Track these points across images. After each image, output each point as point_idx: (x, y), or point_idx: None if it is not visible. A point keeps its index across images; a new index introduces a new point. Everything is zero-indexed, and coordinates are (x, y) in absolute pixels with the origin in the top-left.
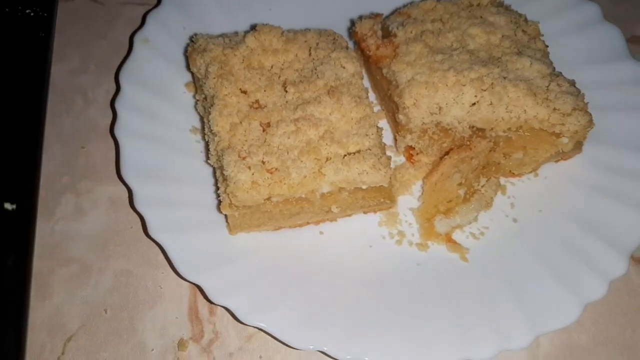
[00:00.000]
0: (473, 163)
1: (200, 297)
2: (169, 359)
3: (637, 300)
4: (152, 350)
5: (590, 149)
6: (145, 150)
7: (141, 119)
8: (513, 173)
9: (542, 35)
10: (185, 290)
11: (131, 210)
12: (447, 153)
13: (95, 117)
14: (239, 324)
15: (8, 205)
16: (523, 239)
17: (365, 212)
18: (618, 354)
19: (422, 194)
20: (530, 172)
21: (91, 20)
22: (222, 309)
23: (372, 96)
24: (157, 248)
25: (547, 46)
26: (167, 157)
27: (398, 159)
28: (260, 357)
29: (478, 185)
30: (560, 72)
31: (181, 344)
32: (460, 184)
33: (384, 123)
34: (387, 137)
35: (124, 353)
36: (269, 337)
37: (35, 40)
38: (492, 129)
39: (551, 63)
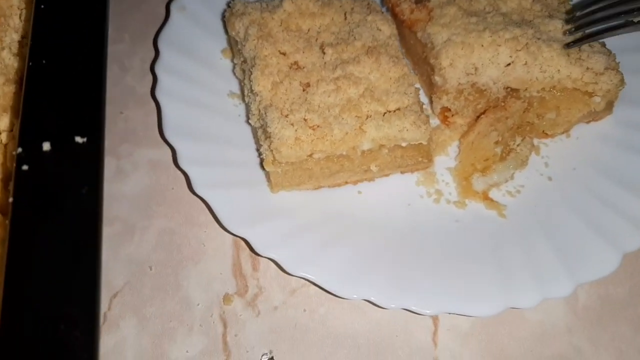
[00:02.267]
0: (508, 122)
1: (243, 254)
2: (215, 313)
3: None
4: (198, 305)
5: (621, 109)
6: (186, 112)
7: (180, 82)
8: (546, 133)
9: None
10: (228, 247)
11: (171, 172)
12: (482, 114)
13: (133, 84)
14: (282, 278)
15: (79, 139)
16: (559, 195)
17: (402, 172)
18: None
19: (459, 153)
20: (563, 132)
21: None
22: (265, 264)
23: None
24: (199, 207)
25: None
26: (207, 118)
27: (433, 121)
28: (304, 310)
29: (514, 144)
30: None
31: (226, 299)
32: (496, 143)
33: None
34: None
35: (170, 308)
36: (312, 292)
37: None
38: (526, 89)
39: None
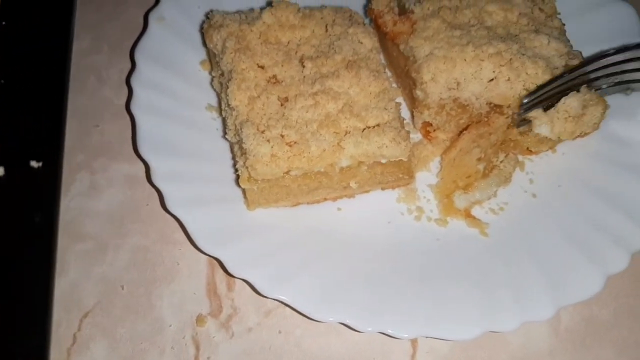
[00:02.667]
0: (492, 139)
1: (218, 273)
2: (188, 334)
3: None
4: (170, 326)
5: (607, 125)
6: (161, 126)
7: (156, 95)
8: (530, 150)
9: (559, 13)
10: (202, 266)
11: (147, 188)
12: (464, 129)
13: (110, 96)
14: (258, 299)
15: (34, 163)
16: (543, 213)
17: (383, 189)
18: (638, 328)
19: (441, 170)
20: (548, 149)
21: (103, 2)
22: (241, 284)
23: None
24: (173, 225)
25: (563, 24)
26: (183, 133)
27: (415, 136)
28: (280, 332)
29: (497, 160)
30: (580, 52)
31: (199, 320)
32: (479, 159)
33: (399, 101)
34: (404, 115)
35: (142, 329)
36: (288, 313)
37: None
38: (509, 105)
39: (568, 41)
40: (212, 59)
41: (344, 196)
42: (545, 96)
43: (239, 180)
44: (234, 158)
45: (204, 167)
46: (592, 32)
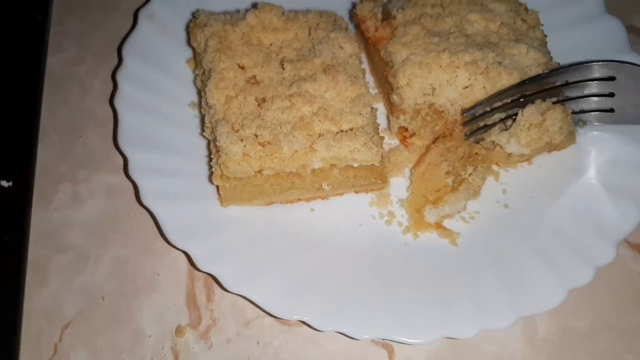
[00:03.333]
0: (459, 152)
1: (198, 284)
2: (167, 345)
3: (634, 287)
4: (150, 336)
5: (584, 140)
6: (142, 121)
7: (141, 91)
8: (498, 164)
9: (542, 25)
10: (182, 277)
11: (128, 198)
12: (433, 142)
13: (93, 106)
14: (237, 310)
15: (4, 183)
16: (512, 224)
17: (356, 192)
18: (615, 340)
19: (411, 184)
20: (518, 163)
21: (88, 11)
22: (220, 295)
23: (370, 80)
24: (154, 236)
25: (545, 36)
26: (163, 128)
27: (393, 141)
28: (258, 342)
29: (465, 174)
30: (558, 63)
31: (179, 331)
32: (447, 173)
33: (380, 107)
34: (384, 121)
35: (122, 340)
36: (267, 323)
37: (33, 21)
38: None
39: (548, 52)
40: (197, 58)
41: (318, 197)
42: (481, 111)
43: (213, 177)
44: (209, 155)
45: (181, 163)
46: (580, 46)
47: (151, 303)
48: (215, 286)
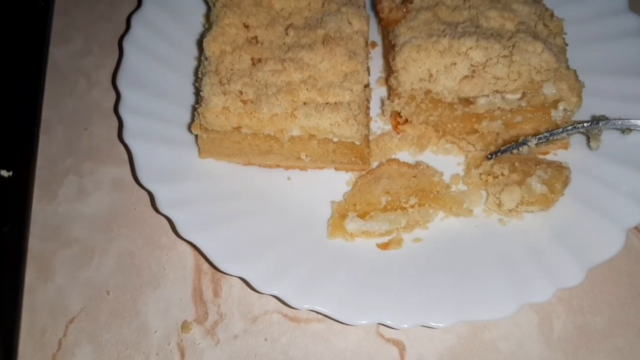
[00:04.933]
0: (412, 182)
1: (205, 279)
2: (173, 341)
3: None
4: (155, 332)
5: (577, 154)
6: (145, 64)
7: (151, 35)
8: (451, 210)
9: (565, 34)
10: (189, 272)
11: (135, 191)
12: (435, 129)
13: (99, 99)
14: (244, 305)
15: (4, 173)
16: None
17: (336, 169)
18: (635, 337)
19: (350, 190)
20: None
21: (94, 3)
22: (227, 290)
23: (380, 64)
24: (161, 229)
25: (567, 45)
26: (163, 74)
27: (388, 127)
28: (266, 339)
29: (406, 203)
30: (575, 71)
31: (185, 326)
32: (387, 193)
33: (383, 92)
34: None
35: (127, 335)
36: (275, 319)
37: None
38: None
39: (566, 60)
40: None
41: (297, 167)
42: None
43: (192, 126)
44: (194, 105)
45: (171, 109)
46: (607, 63)
47: (157, 298)
48: (223, 281)
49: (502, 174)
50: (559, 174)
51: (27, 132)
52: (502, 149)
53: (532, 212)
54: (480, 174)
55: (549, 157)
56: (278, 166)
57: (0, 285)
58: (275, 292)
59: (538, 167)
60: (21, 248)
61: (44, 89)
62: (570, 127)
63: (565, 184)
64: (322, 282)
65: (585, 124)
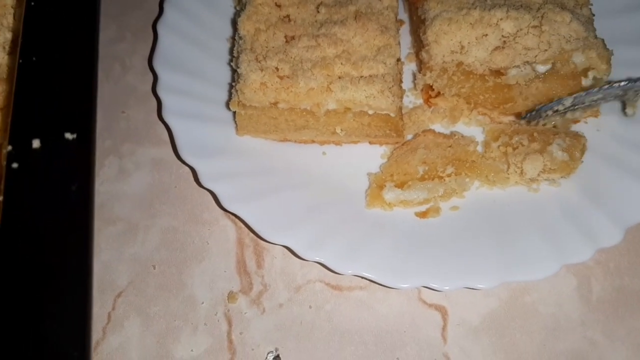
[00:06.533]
0: (448, 151)
1: (247, 251)
2: (220, 311)
3: None
4: (202, 303)
5: (608, 120)
6: (179, 46)
7: (185, 19)
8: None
9: (591, 4)
10: (232, 245)
11: (175, 170)
12: (467, 101)
13: (134, 83)
14: (287, 276)
15: (68, 135)
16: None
17: (371, 143)
18: None
19: (386, 161)
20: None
21: None
22: (269, 262)
23: (409, 40)
24: (203, 205)
25: (593, 15)
26: (197, 55)
27: (419, 101)
28: (310, 307)
29: (443, 171)
30: (603, 40)
31: (231, 297)
32: (424, 163)
33: (414, 68)
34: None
35: (174, 307)
36: (318, 288)
37: None
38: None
39: (594, 30)
40: None
41: (332, 142)
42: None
43: (230, 102)
44: (231, 83)
45: (207, 89)
46: (633, 33)
47: (202, 271)
48: (265, 253)
49: (522, 144)
50: (577, 142)
51: (86, 96)
52: (537, 108)
53: (553, 180)
54: (499, 146)
55: (579, 125)
56: (313, 142)
57: (72, 248)
58: (318, 259)
59: (556, 136)
60: (88, 206)
61: (97, 59)
62: (606, 87)
63: (583, 151)
64: (364, 248)
65: (621, 83)
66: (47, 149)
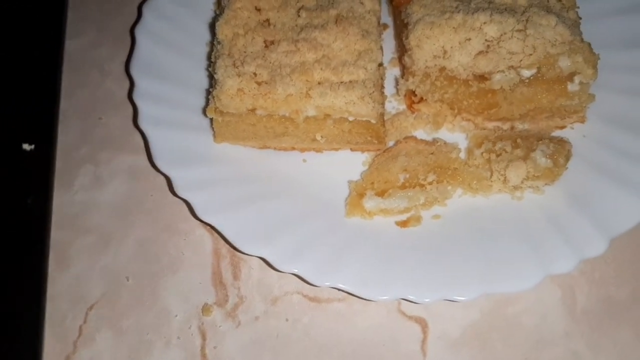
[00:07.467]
0: (430, 159)
1: (223, 262)
2: (194, 324)
3: None
4: (176, 316)
5: (594, 126)
6: (158, 51)
7: (163, 22)
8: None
9: (578, 7)
10: (208, 256)
11: (151, 178)
12: (451, 107)
13: (113, 89)
14: (264, 287)
15: (26, 146)
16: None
17: (352, 150)
18: None
19: (367, 169)
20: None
21: None
22: (246, 273)
23: (393, 44)
24: (179, 215)
25: (580, 18)
26: (175, 61)
27: (402, 107)
28: (287, 319)
29: (424, 180)
30: (589, 44)
31: (205, 309)
32: (405, 170)
33: (397, 72)
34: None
35: (147, 320)
36: (295, 300)
37: None
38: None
39: (580, 33)
40: None
41: (312, 149)
42: None
43: (207, 109)
44: (209, 89)
45: (184, 95)
46: (619, 36)
47: (177, 282)
48: (242, 264)
49: (505, 151)
50: (562, 148)
51: (48, 105)
52: None
53: (537, 187)
54: (482, 152)
55: (565, 131)
56: (293, 149)
57: (27, 254)
58: (295, 271)
59: (540, 142)
60: (45, 218)
61: (62, 64)
62: None
63: (568, 157)
64: (343, 259)
65: None
66: (2, 159)
